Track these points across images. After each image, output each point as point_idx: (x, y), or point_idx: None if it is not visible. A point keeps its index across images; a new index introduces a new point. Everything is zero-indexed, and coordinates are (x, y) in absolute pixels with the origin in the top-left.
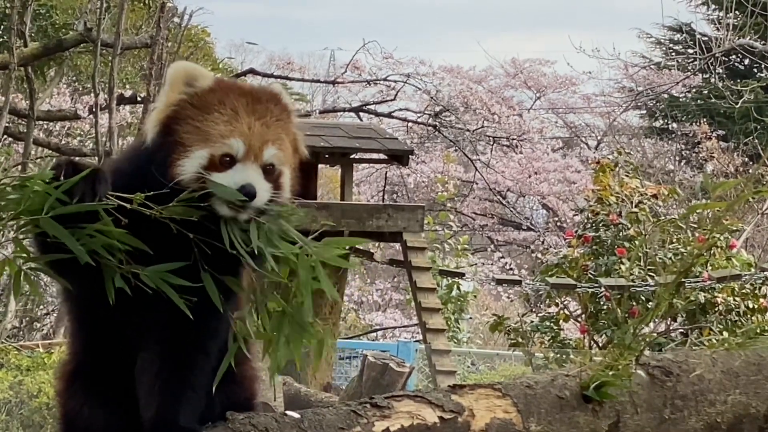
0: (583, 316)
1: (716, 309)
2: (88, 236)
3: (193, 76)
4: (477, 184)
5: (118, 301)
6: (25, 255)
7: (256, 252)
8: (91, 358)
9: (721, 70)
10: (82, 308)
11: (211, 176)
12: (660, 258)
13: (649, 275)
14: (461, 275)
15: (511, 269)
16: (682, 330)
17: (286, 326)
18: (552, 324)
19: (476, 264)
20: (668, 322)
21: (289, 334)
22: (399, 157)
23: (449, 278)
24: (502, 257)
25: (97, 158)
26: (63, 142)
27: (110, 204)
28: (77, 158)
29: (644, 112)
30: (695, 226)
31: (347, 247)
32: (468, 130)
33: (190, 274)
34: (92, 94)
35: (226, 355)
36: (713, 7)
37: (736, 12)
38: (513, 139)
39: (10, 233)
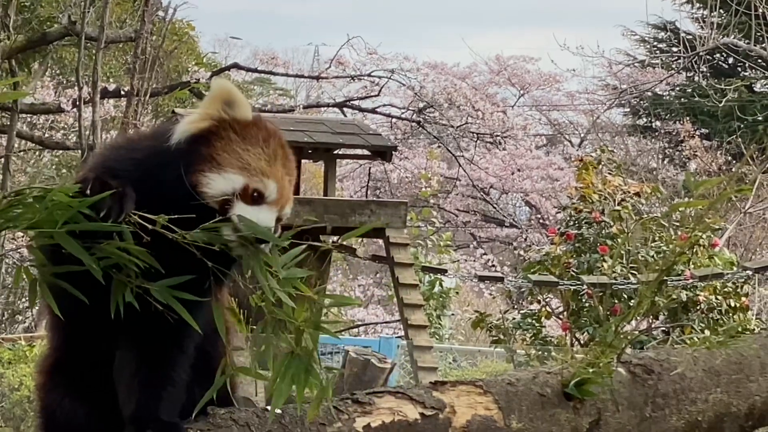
0: (565, 313)
1: (698, 307)
2: (116, 250)
3: (233, 100)
4: (460, 180)
5: (97, 301)
6: (42, 265)
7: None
8: (70, 353)
9: (705, 69)
10: (62, 307)
11: (236, 204)
12: (642, 256)
13: (632, 273)
14: (444, 272)
15: (493, 266)
16: (663, 328)
17: (293, 366)
18: (534, 321)
19: (459, 260)
20: (650, 321)
21: (295, 374)
22: (382, 153)
23: (432, 274)
24: (485, 254)
25: (80, 151)
26: (46, 135)
27: (129, 227)
28: (103, 176)
29: (628, 110)
30: (678, 224)
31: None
32: (452, 127)
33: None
34: (76, 88)
35: (213, 384)
36: (698, 5)
37: (721, 11)
38: (496, 135)
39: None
